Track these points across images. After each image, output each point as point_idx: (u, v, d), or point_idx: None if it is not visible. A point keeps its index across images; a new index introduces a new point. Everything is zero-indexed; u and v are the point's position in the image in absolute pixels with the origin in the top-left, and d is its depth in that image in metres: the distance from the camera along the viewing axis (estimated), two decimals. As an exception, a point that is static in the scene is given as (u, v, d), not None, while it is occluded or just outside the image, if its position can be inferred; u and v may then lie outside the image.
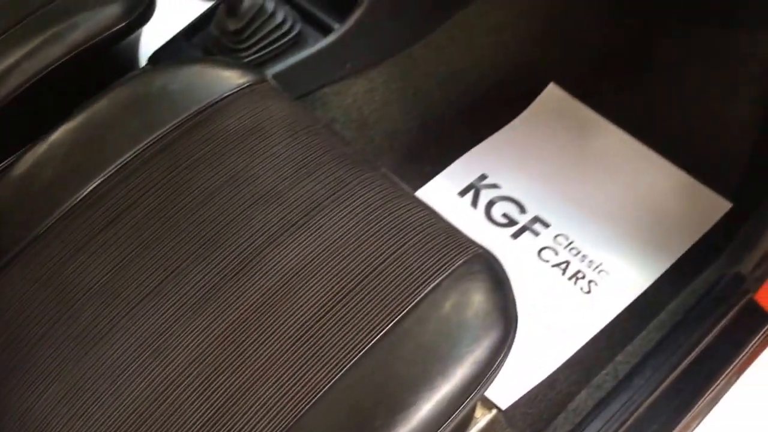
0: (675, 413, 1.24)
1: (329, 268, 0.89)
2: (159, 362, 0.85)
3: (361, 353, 0.82)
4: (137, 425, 0.82)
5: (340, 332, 0.83)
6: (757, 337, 1.29)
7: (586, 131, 1.67)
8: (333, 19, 1.37)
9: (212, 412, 0.81)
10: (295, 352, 0.82)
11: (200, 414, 0.81)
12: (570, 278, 1.46)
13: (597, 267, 1.48)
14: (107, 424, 0.82)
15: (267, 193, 0.97)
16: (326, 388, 0.81)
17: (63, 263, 0.93)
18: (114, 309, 0.90)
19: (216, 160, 0.99)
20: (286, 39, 1.32)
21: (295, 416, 0.80)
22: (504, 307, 0.90)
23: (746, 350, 1.27)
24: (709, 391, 1.25)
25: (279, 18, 1.30)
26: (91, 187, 0.98)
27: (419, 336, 0.85)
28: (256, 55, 1.30)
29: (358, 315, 0.85)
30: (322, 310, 0.85)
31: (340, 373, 0.82)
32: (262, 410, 0.81)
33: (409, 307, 0.87)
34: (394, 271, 0.90)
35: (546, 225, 1.54)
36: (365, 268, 0.90)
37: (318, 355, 0.82)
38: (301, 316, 0.85)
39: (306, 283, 0.87)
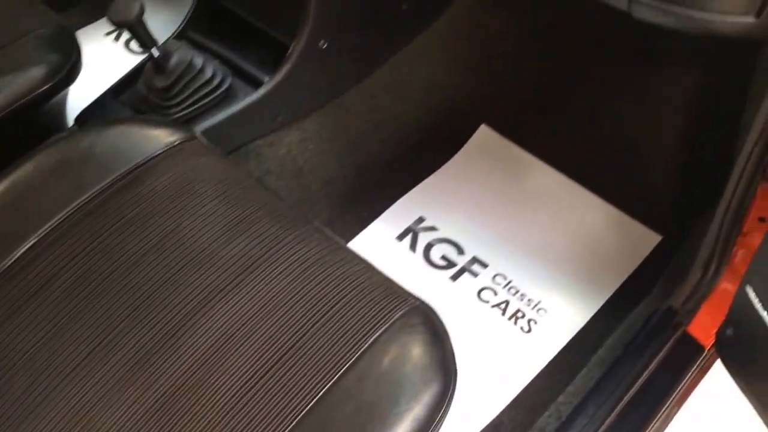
0: (620, 450, 1.26)
1: (263, 331, 0.88)
2: (89, 438, 0.82)
3: (298, 418, 0.81)
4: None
5: (275, 398, 0.82)
6: (694, 368, 1.31)
7: (518, 171, 1.70)
8: (263, 73, 1.38)
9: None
10: (229, 422, 0.81)
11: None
12: (510, 318, 1.48)
13: (536, 305, 1.50)
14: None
15: (198, 255, 0.95)
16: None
17: (-10, 335, 0.90)
18: (44, 381, 0.87)
19: (145, 223, 0.98)
20: (216, 94, 1.31)
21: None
22: (443, 359, 0.90)
23: (684, 382, 1.29)
24: (651, 425, 1.26)
25: (208, 73, 1.30)
26: (17, 255, 0.96)
27: (359, 395, 0.84)
28: (186, 111, 1.29)
29: (293, 378, 0.84)
30: (256, 376, 0.84)
31: (277, 441, 0.80)
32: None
33: (348, 364, 0.86)
34: (331, 328, 0.90)
35: (484, 265, 1.55)
36: (301, 328, 0.89)
37: (253, 425, 0.80)
38: (235, 383, 0.83)
39: (239, 348, 0.86)
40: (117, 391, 0.84)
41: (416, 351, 0.90)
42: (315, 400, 0.83)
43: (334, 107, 1.57)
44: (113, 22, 1.17)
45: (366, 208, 1.62)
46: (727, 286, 1.29)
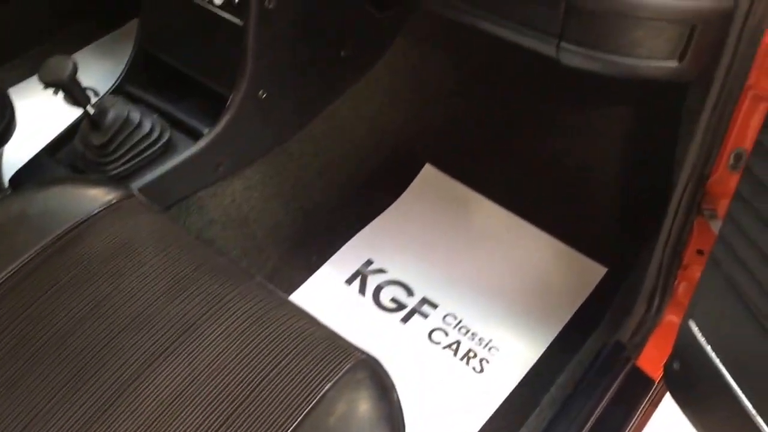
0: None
1: (206, 394, 0.86)
2: None
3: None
4: None
5: (220, 464, 0.80)
6: (644, 402, 1.33)
7: (464, 208, 1.71)
8: (203, 124, 1.36)
9: None
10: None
11: None
12: (462, 358, 1.47)
13: (487, 344, 1.50)
14: None
15: (137, 317, 0.93)
16: None
17: None
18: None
19: (81, 286, 0.95)
20: (155, 148, 1.30)
21: None
22: (389, 415, 0.89)
23: (635, 417, 1.30)
24: (606, 462, 1.27)
25: (146, 127, 1.28)
26: (-53, 327, 0.92)
27: (306, 457, 0.83)
28: (124, 167, 1.27)
29: (239, 443, 0.82)
30: (200, 442, 0.82)
31: None
32: None
33: (294, 425, 0.85)
34: (276, 387, 0.88)
35: (434, 306, 1.55)
36: (245, 389, 0.87)
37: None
38: (178, 451, 0.81)
39: (181, 413, 0.84)
40: (54, 468, 0.81)
41: (363, 407, 0.89)
42: (261, 463, 0.81)
43: (278, 154, 1.56)
44: (45, 83, 1.15)
45: (314, 253, 1.61)
46: (672, 319, 1.31)
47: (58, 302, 0.94)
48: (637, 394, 1.32)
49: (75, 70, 1.15)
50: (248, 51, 1.31)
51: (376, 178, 1.72)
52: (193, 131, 1.37)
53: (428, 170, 1.76)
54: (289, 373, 0.90)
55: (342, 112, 1.66)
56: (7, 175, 1.34)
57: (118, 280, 0.97)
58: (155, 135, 1.30)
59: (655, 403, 1.36)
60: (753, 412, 1.00)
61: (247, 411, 0.86)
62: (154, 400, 0.86)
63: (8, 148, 1.31)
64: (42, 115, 1.70)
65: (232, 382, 0.88)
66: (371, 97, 1.70)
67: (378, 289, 1.57)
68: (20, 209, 1.05)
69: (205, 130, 1.36)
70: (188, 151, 1.33)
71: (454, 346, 1.49)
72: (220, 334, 0.93)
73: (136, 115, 1.28)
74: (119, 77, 1.46)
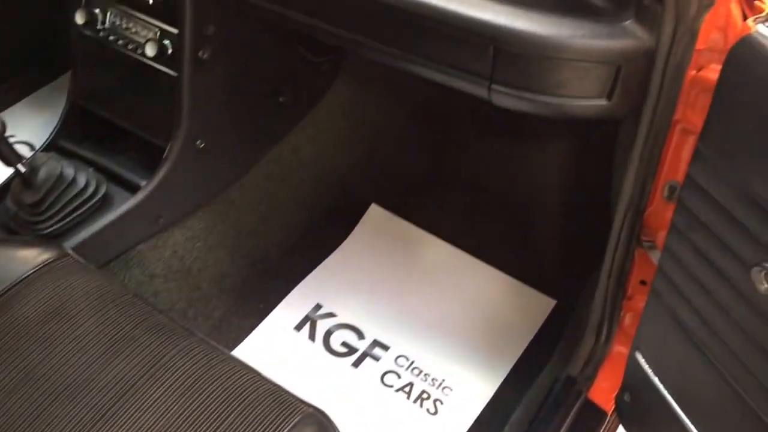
0: None
1: (147, 461, 0.83)
2: None
3: None
4: None
5: None
6: (599, 434, 1.33)
7: (412, 247, 1.71)
8: (140, 176, 1.34)
9: None
10: None
11: None
12: (415, 401, 1.46)
13: (440, 384, 1.48)
14: None
15: (72, 384, 0.90)
16: None
17: None
18: None
19: (12, 355, 0.92)
20: (90, 204, 1.27)
21: None
22: (337, 469, 0.87)
23: (591, 451, 1.30)
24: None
25: (81, 183, 1.26)
26: None
27: None
28: (58, 226, 1.24)
29: None
30: None
31: None
32: None
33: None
34: (220, 448, 0.86)
35: (386, 348, 1.54)
36: (188, 452, 0.85)
37: None
38: None
39: (121, 484, 0.81)
40: None
41: (310, 463, 0.87)
42: None
43: (220, 202, 1.54)
44: (-28, 143, 1.12)
45: (262, 300, 1.59)
46: (620, 350, 1.32)
47: (-12, 372, 0.91)
48: (590, 428, 1.32)
49: (3, 128, 1.12)
50: (183, 102, 1.29)
51: (322, 221, 1.71)
52: (131, 184, 1.35)
53: (374, 210, 1.76)
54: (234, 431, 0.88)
55: (283, 156, 1.65)
56: (-64, 239, 1.30)
57: (50, 345, 0.94)
58: (90, 190, 1.27)
59: (609, 436, 1.36)
60: (702, 442, 1.01)
61: (191, 475, 0.83)
62: (93, 471, 0.83)
63: (-63, 210, 1.27)
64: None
65: (174, 447, 0.85)
66: (312, 140, 1.70)
67: (328, 334, 1.55)
68: (-52, 275, 1.01)
69: (143, 183, 1.34)
70: (125, 204, 1.30)
71: (407, 389, 1.48)
72: (160, 396, 0.90)
73: (69, 171, 1.25)
74: (52, 132, 1.43)
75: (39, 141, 1.59)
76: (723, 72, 0.79)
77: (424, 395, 1.47)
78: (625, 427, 1.26)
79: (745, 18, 0.91)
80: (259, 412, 0.90)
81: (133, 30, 1.32)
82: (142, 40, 1.31)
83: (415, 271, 1.67)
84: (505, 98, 0.98)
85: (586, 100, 0.95)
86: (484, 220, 1.73)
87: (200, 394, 0.91)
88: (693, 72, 0.94)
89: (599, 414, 1.33)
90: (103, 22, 1.36)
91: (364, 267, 1.67)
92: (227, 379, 0.94)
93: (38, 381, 0.90)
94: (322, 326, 1.57)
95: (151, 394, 0.91)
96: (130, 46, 1.34)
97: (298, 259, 1.65)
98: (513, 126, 1.68)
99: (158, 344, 0.97)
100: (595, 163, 1.63)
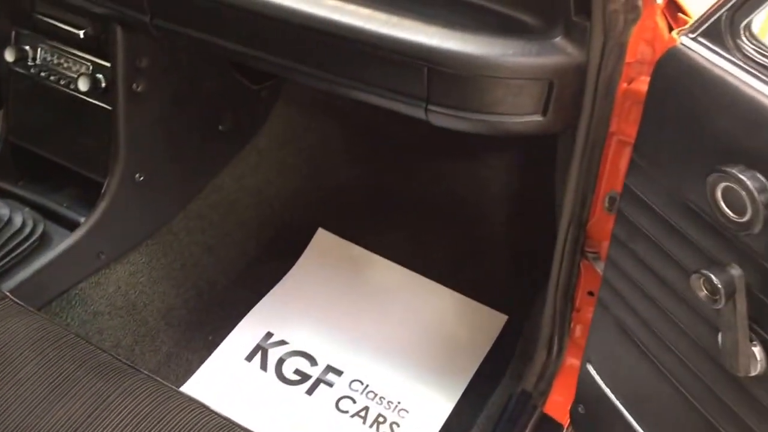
0: None
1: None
2: None
3: None
4: None
5: None
6: (555, 447, 1.33)
7: (361, 270, 1.70)
8: (79, 213, 1.32)
9: None
10: None
11: None
12: (372, 425, 1.44)
13: (396, 407, 1.47)
14: None
15: (15, 430, 0.87)
16: None
17: None
18: None
19: (-53, 406, 0.89)
20: (27, 244, 1.24)
21: None
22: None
23: (548, 463, 1.31)
24: None
25: (16, 223, 1.23)
26: None
27: None
28: (-7, 268, 1.21)
29: None
30: None
31: None
32: None
33: None
34: (168, 489, 0.83)
35: (339, 373, 1.52)
36: (135, 495, 0.82)
37: None
38: None
39: None
40: None
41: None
42: None
43: (163, 235, 1.52)
44: None
45: (211, 332, 1.56)
46: (573, 362, 1.32)
47: None
48: (548, 441, 1.32)
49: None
50: (120, 135, 1.28)
51: (269, 248, 1.69)
52: (69, 221, 1.32)
53: (321, 235, 1.75)
54: (183, 471, 0.85)
55: (227, 185, 1.64)
56: None
57: (-10, 392, 0.91)
58: (27, 230, 1.24)
59: (566, 448, 1.37)
60: (655, 449, 1.02)
61: None
62: None
63: None
64: None
65: (122, 489, 0.83)
66: (255, 167, 1.69)
67: (280, 362, 1.53)
68: None
69: (82, 219, 1.31)
70: (64, 243, 1.27)
71: (363, 413, 1.46)
72: (107, 437, 0.88)
73: (4, 212, 1.22)
74: (-15, 174, 1.40)
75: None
76: (651, 84, 0.80)
77: (380, 419, 1.46)
78: (580, 439, 1.26)
79: (671, 30, 0.93)
80: (209, 448, 0.89)
81: (65, 65, 1.30)
82: (75, 75, 1.29)
83: (366, 293, 1.66)
84: (442, 119, 0.99)
85: (522, 116, 0.95)
86: (432, 239, 1.74)
87: (148, 434, 0.89)
88: (624, 85, 0.96)
89: (555, 427, 1.34)
90: (34, 59, 1.33)
91: (314, 292, 1.65)
92: (175, 416, 0.92)
93: (-24, 431, 0.86)
94: (274, 355, 1.55)
95: (97, 437, 0.88)
96: (62, 82, 1.31)
97: (247, 288, 1.63)
98: (458, 143, 1.69)
99: (102, 384, 0.94)
100: (541, 178, 1.65)
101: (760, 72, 0.67)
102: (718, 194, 0.69)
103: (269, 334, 1.58)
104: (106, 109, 1.28)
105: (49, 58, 1.32)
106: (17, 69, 1.36)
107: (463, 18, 0.98)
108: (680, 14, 0.88)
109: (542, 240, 1.36)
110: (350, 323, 1.60)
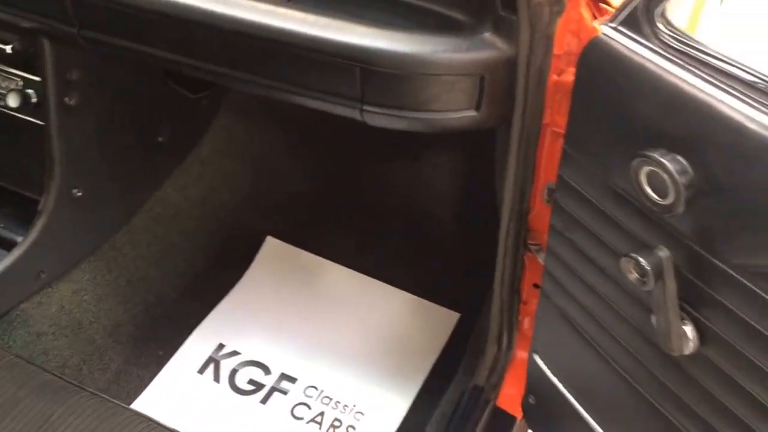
0: None
1: None
2: None
3: None
4: None
5: None
6: (510, 439, 1.34)
7: (312, 276, 1.70)
8: (15, 233, 1.29)
9: None
10: None
11: None
12: (327, 430, 1.44)
13: (352, 410, 1.47)
14: None
15: (-48, 458, 0.85)
16: None
17: None
18: None
19: None
20: (-39, 266, 1.21)
21: None
22: None
23: (504, 456, 1.32)
24: None
25: (-51, 246, 1.20)
26: None
27: None
28: (-72, 292, 1.17)
29: None
30: None
31: None
32: None
33: None
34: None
35: (293, 380, 1.51)
36: None
37: None
38: None
39: None
40: None
41: None
42: None
43: (106, 251, 1.49)
44: None
45: (161, 347, 1.53)
46: (523, 355, 1.34)
47: None
48: (502, 433, 1.34)
49: None
50: (54, 151, 1.25)
51: (217, 259, 1.67)
52: (6, 241, 1.29)
53: (270, 243, 1.74)
54: (129, 488, 0.84)
55: (170, 197, 1.61)
56: None
57: (-75, 420, 0.88)
58: (-39, 253, 1.21)
59: (520, 439, 1.38)
60: (603, 435, 1.03)
61: None
62: None
63: None
64: None
65: None
66: (199, 177, 1.67)
67: (233, 373, 1.52)
68: None
69: (19, 239, 1.28)
70: (2, 263, 1.25)
71: (319, 419, 1.46)
72: (50, 458, 0.86)
73: (-64, 235, 1.19)
74: None
75: None
76: (576, 74, 0.81)
77: (336, 423, 1.45)
78: (532, 430, 1.28)
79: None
80: (156, 462, 0.87)
81: (-6, 82, 1.27)
82: (5, 92, 1.26)
83: (317, 299, 1.66)
84: (378, 118, 0.99)
85: (456, 112, 0.96)
86: (381, 241, 1.74)
87: (93, 452, 0.87)
88: (555, 77, 0.97)
89: (508, 420, 1.35)
90: (-39, 77, 1.30)
91: (265, 301, 1.64)
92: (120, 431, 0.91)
93: None
94: (227, 366, 1.53)
95: (40, 459, 0.86)
96: (-9, 99, 1.28)
97: (197, 300, 1.61)
98: (402, 144, 1.70)
99: (44, 404, 0.92)
100: (485, 174, 1.67)
101: (676, 57, 0.69)
102: (643, 178, 0.70)
103: (221, 346, 1.56)
104: (39, 124, 1.25)
105: (-24, 76, 1.29)
106: (-56, 88, 1.33)
107: (393, 17, 0.99)
108: (602, 4, 0.90)
109: (490, 236, 1.37)
110: (303, 330, 1.60)
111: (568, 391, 1.09)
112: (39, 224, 1.29)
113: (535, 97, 0.97)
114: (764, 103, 0.64)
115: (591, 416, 1.05)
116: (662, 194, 0.69)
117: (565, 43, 0.94)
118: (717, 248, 0.68)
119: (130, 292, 1.54)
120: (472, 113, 0.97)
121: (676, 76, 0.68)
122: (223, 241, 1.69)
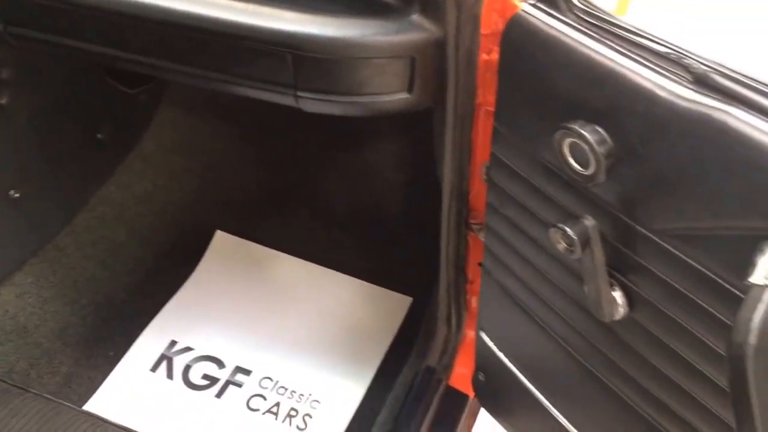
0: None
1: None
2: None
3: None
4: None
5: None
6: (463, 418, 1.36)
7: (263, 268, 1.69)
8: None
9: None
10: None
11: None
12: (284, 420, 1.44)
13: (308, 399, 1.47)
14: None
15: None
16: None
17: None
18: None
19: None
20: None
21: None
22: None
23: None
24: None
25: None
26: None
27: None
28: None
29: None
30: None
31: None
32: None
33: None
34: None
35: (248, 372, 1.51)
36: None
37: None
38: None
39: None
40: None
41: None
42: None
43: (49, 252, 1.47)
44: None
45: (112, 347, 1.52)
46: (472, 334, 1.36)
47: None
48: (454, 413, 1.35)
49: None
50: (-13, 152, 1.23)
51: (167, 255, 1.66)
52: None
53: (220, 237, 1.73)
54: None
55: (114, 195, 1.60)
56: None
57: None
58: None
59: (473, 415, 1.40)
60: (548, 405, 1.05)
61: None
62: None
63: None
64: None
65: None
66: (142, 174, 1.65)
67: (187, 369, 1.51)
68: None
69: (-48, 245, 1.26)
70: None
71: (275, 409, 1.46)
72: (-9, 461, 0.85)
73: None
74: None
75: None
76: (501, 52, 0.83)
77: (293, 413, 1.45)
78: (483, 406, 1.30)
79: (520, -1, 0.96)
80: (104, 460, 0.87)
81: None
82: (-67, 94, 1.23)
83: (270, 290, 1.66)
84: (313, 104, 0.99)
85: (389, 95, 0.97)
86: (332, 230, 1.74)
87: (37, 453, 0.87)
88: (484, 56, 0.98)
89: (461, 399, 1.37)
90: None
91: (216, 295, 1.63)
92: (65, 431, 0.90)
93: None
94: (180, 362, 1.52)
95: (-17, 462, 0.85)
96: None
97: (147, 298, 1.60)
98: (348, 132, 1.70)
99: (-15, 408, 0.91)
100: (429, 157, 1.68)
101: (591, 31, 0.71)
102: (566, 150, 0.72)
103: (173, 342, 1.55)
104: (-30, 125, 1.23)
105: None
106: None
107: (322, 2, 0.99)
108: (525, -18, 0.91)
109: (438, 218, 1.38)
110: (256, 322, 1.60)
111: (515, 366, 1.11)
112: (-25, 227, 1.27)
113: (466, 77, 0.98)
114: (675, 72, 0.66)
115: (537, 389, 1.07)
116: (584, 164, 0.70)
117: (492, 22, 0.95)
118: (638, 215, 0.70)
119: (77, 294, 1.52)
120: (405, 95, 0.97)
121: (591, 49, 0.69)
122: (172, 238, 1.68)
